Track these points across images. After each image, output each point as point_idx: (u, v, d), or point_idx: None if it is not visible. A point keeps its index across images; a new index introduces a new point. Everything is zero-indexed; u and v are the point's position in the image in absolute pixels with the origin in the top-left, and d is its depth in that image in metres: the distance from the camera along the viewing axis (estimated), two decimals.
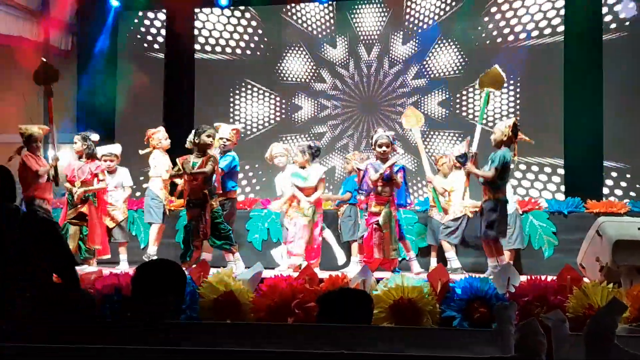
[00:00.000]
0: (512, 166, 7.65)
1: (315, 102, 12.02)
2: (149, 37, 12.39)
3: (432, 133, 11.57)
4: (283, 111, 12.14)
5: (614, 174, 10.88)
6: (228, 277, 5.74)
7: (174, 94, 11.98)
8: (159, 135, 9.02)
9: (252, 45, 12.24)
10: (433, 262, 8.71)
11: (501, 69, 7.88)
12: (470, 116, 11.38)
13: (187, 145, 7.96)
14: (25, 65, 11.14)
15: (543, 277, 5.63)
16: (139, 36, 12.37)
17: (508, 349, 2.53)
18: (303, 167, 8.38)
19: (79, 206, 8.28)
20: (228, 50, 12.29)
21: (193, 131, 7.98)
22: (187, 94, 11.99)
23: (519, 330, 1.88)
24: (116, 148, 9.15)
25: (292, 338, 2.93)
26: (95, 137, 8.59)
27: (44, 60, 8.59)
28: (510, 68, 10.65)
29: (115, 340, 2.41)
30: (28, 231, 3.66)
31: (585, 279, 5.91)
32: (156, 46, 12.33)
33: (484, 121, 8.68)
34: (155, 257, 8.37)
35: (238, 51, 12.28)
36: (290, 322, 5.44)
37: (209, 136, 7.78)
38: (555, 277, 5.61)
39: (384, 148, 7.89)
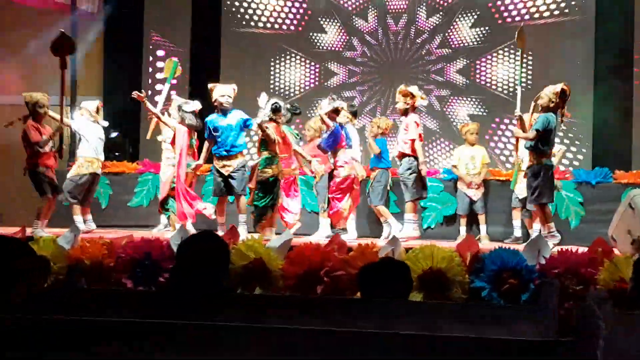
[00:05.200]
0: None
1: (346, 68, 11.92)
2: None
3: (453, 99, 11.48)
4: (317, 77, 12.07)
5: None
6: (258, 244, 5.76)
7: (200, 60, 11.89)
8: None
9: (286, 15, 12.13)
10: (462, 231, 8.74)
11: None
12: (488, 83, 11.30)
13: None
14: (50, 28, 11.14)
15: (573, 249, 5.60)
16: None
17: (551, 327, 2.52)
18: None
19: None
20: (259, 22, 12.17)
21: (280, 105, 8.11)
22: (213, 60, 11.88)
23: (577, 313, 1.88)
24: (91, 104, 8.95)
25: (330, 311, 2.94)
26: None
27: (62, 31, 8.54)
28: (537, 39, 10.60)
29: (167, 313, 2.42)
30: None
31: (616, 251, 5.87)
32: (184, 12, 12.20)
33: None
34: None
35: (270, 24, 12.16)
36: (319, 290, 5.47)
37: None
38: (583, 248, 5.58)
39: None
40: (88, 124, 8.80)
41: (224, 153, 8.07)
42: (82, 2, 11.14)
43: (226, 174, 8.05)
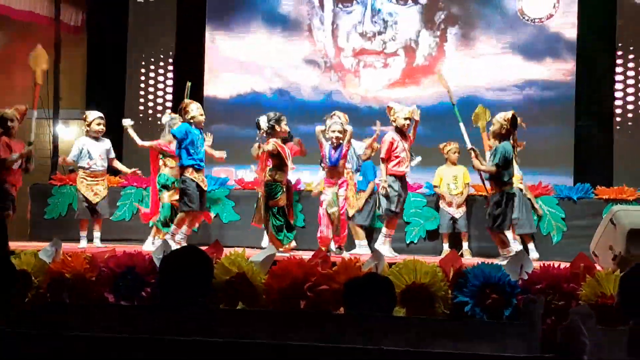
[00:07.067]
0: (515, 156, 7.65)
1: None
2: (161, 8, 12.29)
3: None
4: None
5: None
6: (241, 259, 5.73)
7: (183, 69, 11.94)
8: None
9: None
10: (445, 247, 8.75)
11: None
12: None
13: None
14: (34, 41, 11.10)
15: (555, 264, 5.62)
16: (149, 9, 12.27)
17: (535, 343, 2.53)
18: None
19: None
20: None
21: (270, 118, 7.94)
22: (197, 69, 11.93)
23: (562, 331, 1.88)
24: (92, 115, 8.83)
25: (315, 326, 2.93)
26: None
27: (39, 45, 8.67)
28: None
29: (150, 327, 2.41)
30: None
31: (598, 267, 5.89)
32: (167, 21, 12.22)
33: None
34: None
35: None
36: (302, 305, 5.44)
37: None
38: (564, 264, 5.60)
39: (337, 134, 7.99)
40: (89, 139, 8.70)
41: (203, 166, 8.05)
42: (66, 16, 11.13)
43: (205, 188, 8.03)
